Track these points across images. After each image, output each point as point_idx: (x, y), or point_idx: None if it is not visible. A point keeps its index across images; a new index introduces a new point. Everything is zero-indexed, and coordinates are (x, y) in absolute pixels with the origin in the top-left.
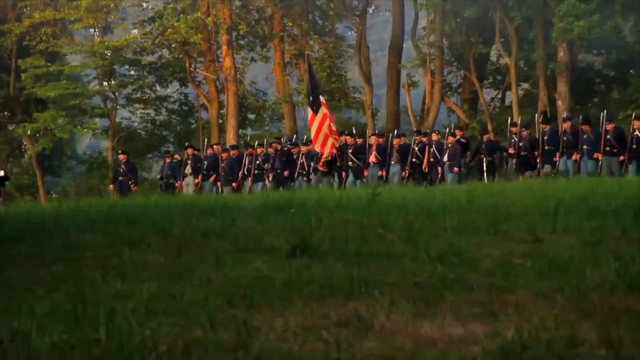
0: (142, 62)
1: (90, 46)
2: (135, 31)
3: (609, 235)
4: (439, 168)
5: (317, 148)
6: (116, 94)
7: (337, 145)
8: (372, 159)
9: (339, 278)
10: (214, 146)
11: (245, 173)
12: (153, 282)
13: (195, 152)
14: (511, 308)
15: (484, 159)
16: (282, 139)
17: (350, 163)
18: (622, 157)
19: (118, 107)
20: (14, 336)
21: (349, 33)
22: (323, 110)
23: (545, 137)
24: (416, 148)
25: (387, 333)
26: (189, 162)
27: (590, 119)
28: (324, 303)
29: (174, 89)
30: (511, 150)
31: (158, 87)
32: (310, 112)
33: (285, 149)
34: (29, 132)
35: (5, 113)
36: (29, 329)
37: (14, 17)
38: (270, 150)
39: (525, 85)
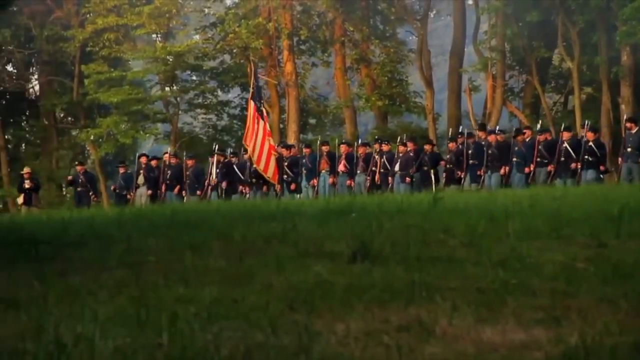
0: (204, 68)
1: (153, 52)
2: (197, 37)
3: None
4: (389, 178)
5: (261, 168)
6: (178, 99)
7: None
8: (341, 167)
9: (400, 283)
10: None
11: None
12: (215, 286)
13: (149, 161)
14: (574, 313)
15: (428, 170)
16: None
17: (285, 176)
18: (549, 168)
19: (180, 112)
20: (77, 340)
21: (410, 38)
22: (264, 125)
23: (470, 151)
24: (377, 157)
25: (449, 338)
26: (141, 172)
27: (523, 131)
28: (385, 308)
29: (235, 94)
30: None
31: (219, 92)
32: (252, 104)
33: (227, 160)
34: (92, 137)
35: (69, 118)
36: (92, 333)
37: (78, 24)
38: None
39: (588, 90)
